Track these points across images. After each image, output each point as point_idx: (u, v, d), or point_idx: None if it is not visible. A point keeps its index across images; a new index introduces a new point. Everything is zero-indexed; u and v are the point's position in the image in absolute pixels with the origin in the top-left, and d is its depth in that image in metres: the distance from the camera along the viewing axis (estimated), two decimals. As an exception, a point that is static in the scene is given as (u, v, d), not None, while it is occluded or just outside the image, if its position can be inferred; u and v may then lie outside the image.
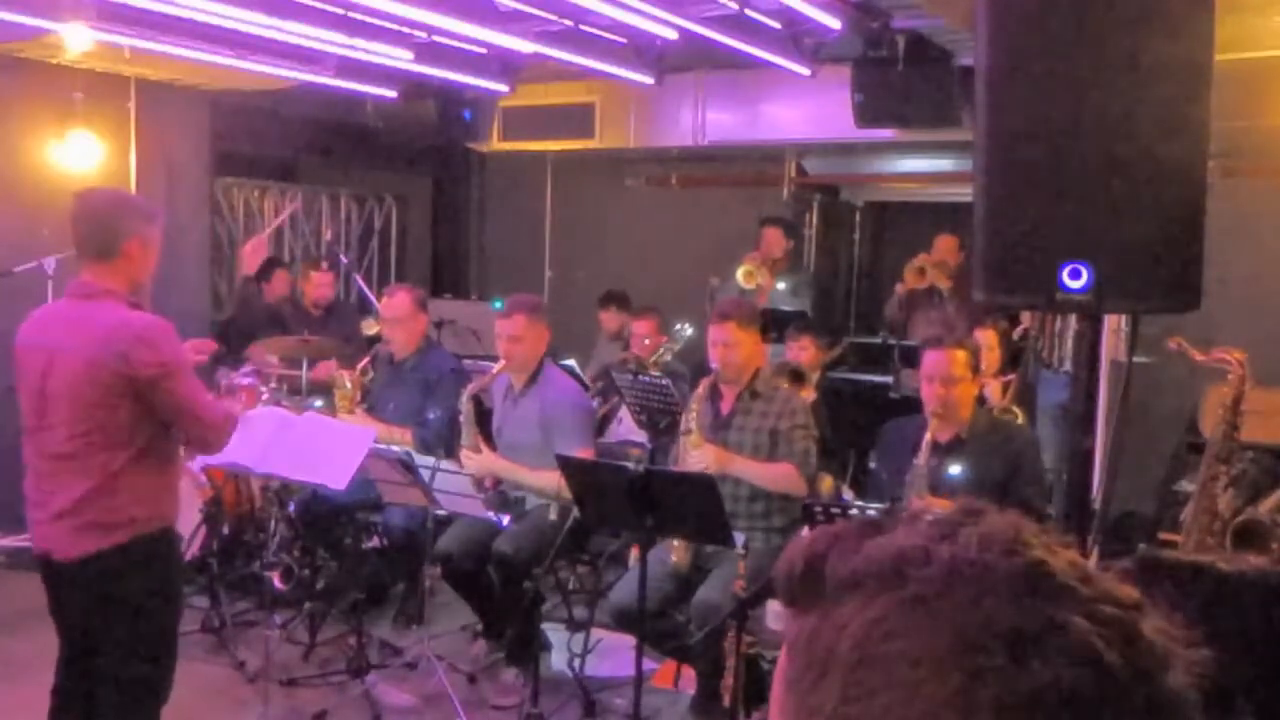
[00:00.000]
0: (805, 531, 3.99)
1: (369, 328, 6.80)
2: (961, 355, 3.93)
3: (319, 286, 7.15)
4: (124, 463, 3.03)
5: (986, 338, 5.40)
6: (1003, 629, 0.59)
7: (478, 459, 4.73)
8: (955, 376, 3.90)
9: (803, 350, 5.80)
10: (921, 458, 3.82)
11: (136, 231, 3.09)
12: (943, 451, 3.93)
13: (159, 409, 3.05)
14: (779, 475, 4.25)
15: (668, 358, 6.21)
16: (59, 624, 3.23)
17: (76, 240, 3.10)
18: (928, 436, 3.85)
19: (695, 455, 4.18)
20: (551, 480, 4.33)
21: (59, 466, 3.06)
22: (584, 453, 4.55)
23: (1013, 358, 5.65)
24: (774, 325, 6.35)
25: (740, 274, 6.99)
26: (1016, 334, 5.90)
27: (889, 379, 6.65)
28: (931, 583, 0.61)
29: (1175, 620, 0.63)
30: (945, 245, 6.98)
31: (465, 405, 4.82)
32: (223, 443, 3.22)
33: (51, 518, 3.07)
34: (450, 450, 4.92)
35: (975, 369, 4.05)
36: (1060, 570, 0.62)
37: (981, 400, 4.45)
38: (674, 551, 4.29)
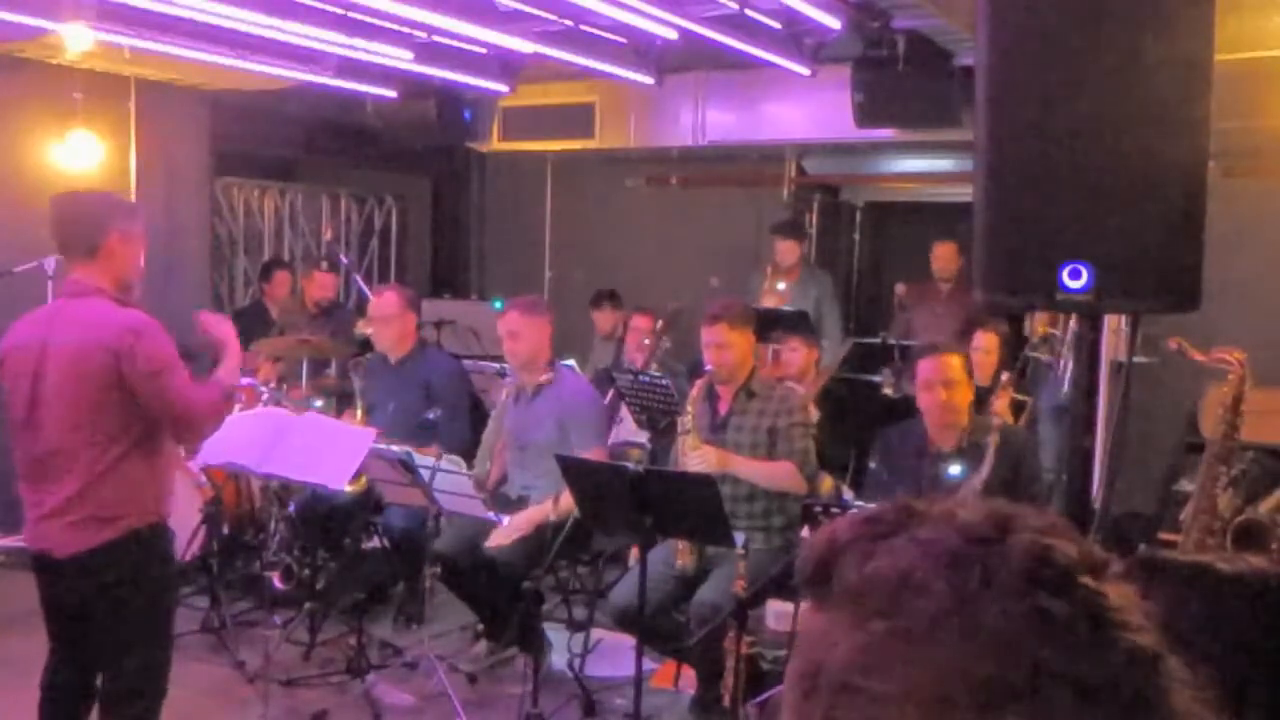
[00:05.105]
0: (805, 533, 4.00)
1: (364, 327, 6.81)
2: (956, 360, 3.98)
3: (321, 287, 7.15)
4: (115, 458, 3.07)
5: (987, 341, 5.40)
6: (977, 681, 0.57)
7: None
8: (953, 380, 3.94)
9: (793, 352, 5.77)
10: (927, 464, 3.83)
11: (115, 227, 3.14)
12: (947, 456, 3.94)
13: (147, 405, 3.07)
14: (779, 473, 4.25)
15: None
16: (51, 622, 3.26)
17: (61, 243, 3.17)
18: (930, 442, 3.86)
19: (694, 457, 4.17)
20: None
21: (51, 464, 3.08)
22: (599, 451, 4.61)
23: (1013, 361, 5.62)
24: (776, 326, 6.32)
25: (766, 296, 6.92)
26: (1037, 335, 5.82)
27: (880, 378, 6.61)
28: (922, 618, 0.60)
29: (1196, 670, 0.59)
30: (943, 253, 6.96)
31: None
32: (211, 431, 3.28)
33: (47, 515, 3.09)
34: (474, 452, 4.90)
35: (970, 373, 4.08)
36: (1065, 619, 0.58)
37: (980, 403, 4.46)
38: (680, 555, 4.29)
